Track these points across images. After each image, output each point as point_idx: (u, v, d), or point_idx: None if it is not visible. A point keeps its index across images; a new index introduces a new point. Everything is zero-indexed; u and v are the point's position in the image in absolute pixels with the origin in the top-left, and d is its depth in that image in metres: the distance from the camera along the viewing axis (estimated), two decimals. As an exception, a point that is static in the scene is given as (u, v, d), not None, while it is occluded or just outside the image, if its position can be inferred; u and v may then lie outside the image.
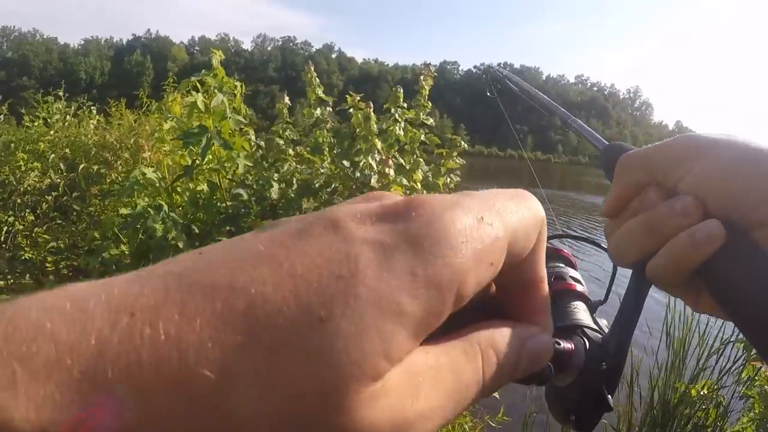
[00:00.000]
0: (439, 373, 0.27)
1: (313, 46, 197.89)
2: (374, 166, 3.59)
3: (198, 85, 3.86)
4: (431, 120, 4.20)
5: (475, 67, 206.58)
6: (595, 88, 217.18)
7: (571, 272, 0.65)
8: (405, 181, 3.72)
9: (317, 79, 4.19)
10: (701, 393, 4.04)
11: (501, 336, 0.31)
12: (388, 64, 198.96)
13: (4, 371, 0.20)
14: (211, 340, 0.21)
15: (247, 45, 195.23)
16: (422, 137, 4.09)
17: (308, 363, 0.22)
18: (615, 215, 0.57)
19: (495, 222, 0.29)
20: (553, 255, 0.68)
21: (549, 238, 0.63)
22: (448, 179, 4.09)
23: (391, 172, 3.40)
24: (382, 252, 0.25)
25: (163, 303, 0.22)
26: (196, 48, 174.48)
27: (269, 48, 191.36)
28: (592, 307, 0.61)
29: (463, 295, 0.27)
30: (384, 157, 3.47)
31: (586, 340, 0.54)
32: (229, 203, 3.88)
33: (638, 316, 0.55)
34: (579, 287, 0.61)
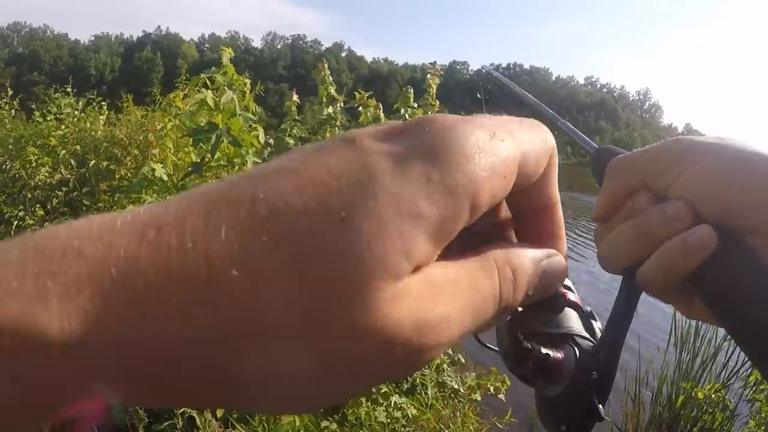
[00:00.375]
0: (457, 286, 0.28)
1: (323, 45, 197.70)
2: None
3: (207, 82, 3.88)
4: None
5: (484, 66, 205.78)
6: (605, 90, 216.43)
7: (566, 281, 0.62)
8: None
9: (330, 77, 4.17)
10: (708, 395, 4.03)
11: (517, 255, 0.32)
12: (397, 64, 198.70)
13: (35, 286, 0.21)
14: (237, 245, 0.23)
15: (257, 43, 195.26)
16: None
17: (332, 261, 0.23)
18: (605, 220, 0.56)
19: (507, 139, 0.30)
20: None
21: None
22: None
23: None
24: (397, 160, 0.26)
25: (188, 216, 0.23)
26: (206, 45, 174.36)
27: (279, 46, 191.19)
28: (584, 316, 0.60)
29: (478, 205, 0.28)
30: None
31: (576, 348, 0.54)
32: None
33: (629, 323, 0.55)
34: (571, 295, 0.59)
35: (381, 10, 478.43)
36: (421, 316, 0.25)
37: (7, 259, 0.22)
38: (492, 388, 3.78)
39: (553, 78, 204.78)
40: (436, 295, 0.26)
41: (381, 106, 3.87)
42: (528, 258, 0.33)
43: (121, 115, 7.22)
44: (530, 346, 0.50)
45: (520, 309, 0.42)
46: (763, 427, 3.83)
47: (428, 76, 4.19)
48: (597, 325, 0.60)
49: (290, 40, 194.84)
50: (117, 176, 5.80)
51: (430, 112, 4.03)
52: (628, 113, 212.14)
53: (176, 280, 0.22)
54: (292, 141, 4.16)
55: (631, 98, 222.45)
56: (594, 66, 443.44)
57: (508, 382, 3.70)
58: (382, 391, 3.33)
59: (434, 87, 4.19)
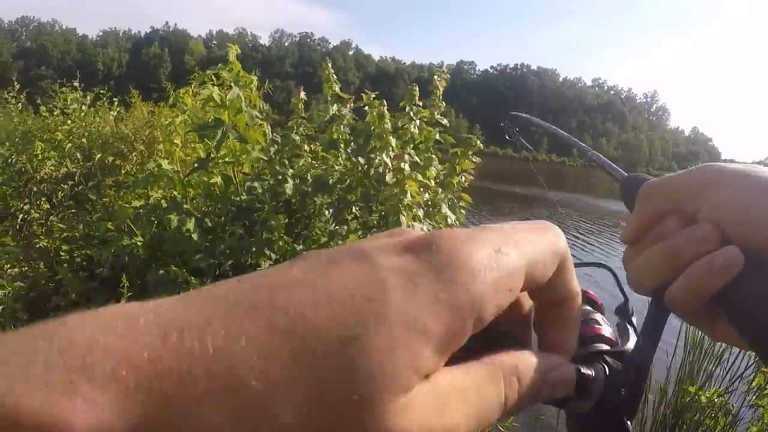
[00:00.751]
0: (464, 394, 0.29)
1: (330, 43, 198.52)
2: (389, 164, 3.59)
3: (213, 78, 3.88)
4: (445, 120, 4.22)
5: (491, 67, 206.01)
6: (612, 92, 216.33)
7: (597, 317, 0.64)
8: (420, 177, 3.71)
9: (334, 76, 4.18)
10: (711, 399, 4.02)
11: (524, 364, 0.33)
12: (405, 63, 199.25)
13: (62, 381, 0.21)
14: (256, 355, 0.24)
15: (265, 40, 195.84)
16: (437, 136, 4.09)
17: (346, 376, 0.24)
18: (635, 243, 0.57)
19: (512, 252, 0.31)
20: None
21: None
22: (463, 178, 4.10)
23: (407, 167, 3.38)
24: (407, 278, 0.28)
25: (210, 321, 0.24)
26: (214, 42, 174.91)
27: (286, 43, 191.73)
28: (618, 352, 0.59)
29: (483, 318, 0.29)
30: (402, 152, 3.45)
31: (606, 366, 0.54)
32: (243, 197, 3.88)
33: (657, 343, 0.55)
34: (606, 331, 0.61)
35: (389, 9, 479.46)
36: (426, 427, 0.26)
37: (36, 348, 0.22)
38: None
39: (561, 79, 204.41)
40: (443, 406, 0.28)
41: (385, 104, 3.84)
42: (534, 368, 0.34)
43: (129, 111, 7.22)
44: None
45: None
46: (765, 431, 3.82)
47: (435, 77, 4.21)
48: (632, 330, 0.63)
49: (298, 38, 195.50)
50: (123, 171, 5.81)
51: (436, 113, 4.11)
52: (635, 116, 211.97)
53: (197, 385, 0.23)
54: (298, 138, 4.16)
55: (638, 101, 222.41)
56: (601, 67, 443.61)
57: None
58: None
59: (441, 89, 4.21)
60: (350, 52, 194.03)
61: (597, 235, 22.83)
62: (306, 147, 4.17)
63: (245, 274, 0.29)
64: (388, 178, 3.53)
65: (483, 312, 0.29)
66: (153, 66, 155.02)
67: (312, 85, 5.43)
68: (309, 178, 3.96)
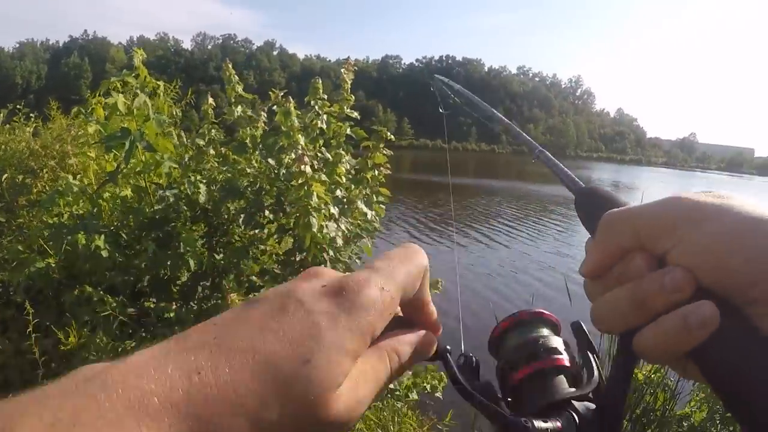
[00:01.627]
0: (364, 374, 0.45)
1: (254, 44, 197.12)
2: (298, 169, 3.53)
3: (118, 86, 3.76)
4: (356, 113, 4.20)
5: (417, 60, 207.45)
6: (537, 78, 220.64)
7: (556, 342, 0.60)
8: (324, 177, 3.65)
9: (236, 77, 4.15)
10: (648, 376, 4.08)
11: (399, 342, 0.50)
12: (330, 60, 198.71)
13: (132, 419, 0.32)
14: (251, 381, 0.37)
15: (187, 44, 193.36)
16: (348, 131, 4.07)
17: (306, 385, 0.39)
18: (597, 277, 0.56)
19: (391, 288, 0.47)
20: (538, 320, 0.63)
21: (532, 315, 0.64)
22: (376, 172, 4.07)
23: (307, 168, 3.33)
24: (331, 318, 0.42)
25: (216, 364, 0.37)
26: (133, 49, 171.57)
27: (209, 46, 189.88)
28: (581, 377, 0.59)
29: (375, 334, 0.45)
30: (301, 153, 3.40)
31: (576, 415, 0.53)
32: (156, 207, 3.77)
33: (628, 388, 0.54)
34: (566, 360, 0.58)
35: (314, 7, 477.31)
36: (351, 402, 0.42)
37: (96, 399, 0.32)
38: (428, 387, 3.75)
39: (486, 69, 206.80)
40: (357, 386, 0.43)
41: (291, 100, 3.79)
42: (406, 342, 0.51)
43: (46, 125, 7.00)
44: (528, 425, 0.50)
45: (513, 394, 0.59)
46: (704, 404, 3.89)
47: (342, 70, 4.20)
48: (594, 359, 0.61)
49: (221, 41, 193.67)
50: (35, 190, 5.59)
51: (345, 106, 4.08)
52: (561, 101, 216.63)
53: (219, 406, 0.35)
54: (202, 142, 4.17)
55: (563, 86, 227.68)
56: (526, 55, 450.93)
57: (445, 380, 3.67)
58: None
59: (349, 81, 4.18)
60: (274, 53, 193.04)
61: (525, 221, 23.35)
62: (211, 150, 4.12)
63: (215, 319, 0.42)
64: (294, 182, 3.48)
65: (375, 330, 0.45)
66: (73, 77, 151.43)
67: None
68: (217, 183, 3.89)
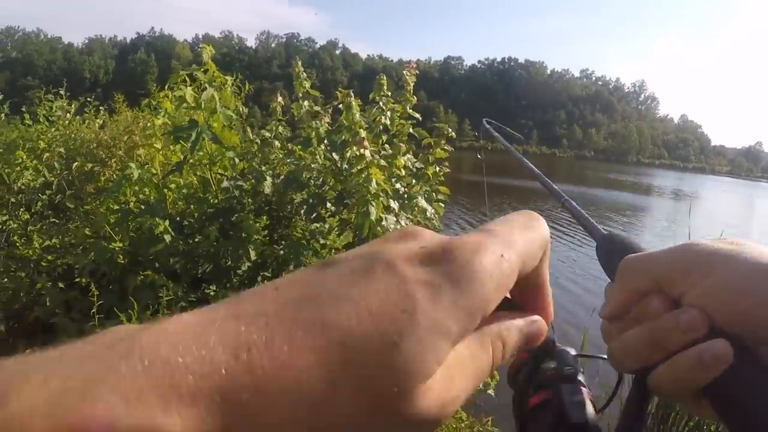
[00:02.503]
0: (462, 365, 0.35)
1: (317, 43, 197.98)
2: (357, 153, 3.57)
3: (187, 79, 3.86)
4: (417, 114, 4.23)
5: (479, 61, 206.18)
6: (600, 82, 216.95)
7: (581, 377, 0.64)
8: (384, 163, 3.70)
9: (304, 74, 4.24)
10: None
11: (506, 329, 0.40)
12: (392, 60, 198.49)
13: (158, 398, 0.25)
14: (317, 365, 0.29)
15: (251, 42, 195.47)
16: (410, 130, 4.10)
17: (388, 374, 0.30)
18: (616, 319, 0.57)
19: (512, 256, 0.37)
20: (562, 355, 0.67)
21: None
22: (437, 168, 4.12)
23: (367, 153, 3.36)
24: (432, 290, 0.33)
25: (272, 340, 0.29)
26: (200, 46, 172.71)
27: (273, 45, 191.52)
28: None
29: (487, 313, 0.36)
30: (361, 138, 3.43)
31: None
32: (220, 197, 3.86)
33: (642, 426, 0.55)
34: (588, 393, 0.61)
35: (376, 7, 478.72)
36: (442, 399, 0.33)
37: (116, 369, 0.25)
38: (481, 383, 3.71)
39: (548, 71, 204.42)
40: (450, 380, 0.34)
41: (352, 95, 3.83)
42: (514, 329, 0.41)
43: (113, 118, 7.19)
44: None
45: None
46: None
47: (405, 72, 4.26)
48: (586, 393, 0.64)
49: (284, 39, 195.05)
50: (102, 178, 5.76)
51: (408, 106, 4.12)
52: (624, 105, 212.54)
53: (270, 394, 0.27)
54: (268, 134, 4.25)
55: (626, 90, 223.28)
56: (589, 58, 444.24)
57: (497, 377, 3.65)
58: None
59: (411, 83, 4.25)
60: (337, 52, 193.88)
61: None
62: (277, 143, 4.20)
63: (280, 281, 0.33)
64: (355, 169, 3.51)
65: (488, 309, 0.36)
66: (140, 72, 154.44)
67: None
68: (281, 175, 3.95)
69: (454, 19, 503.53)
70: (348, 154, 3.76)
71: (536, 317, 0.43)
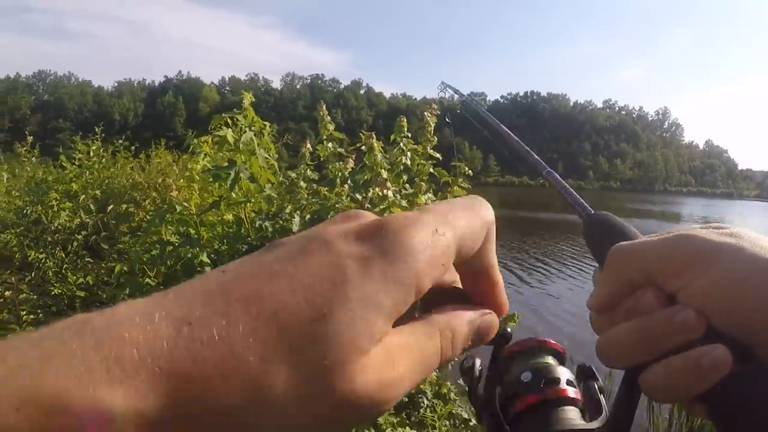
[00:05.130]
0: (408, 349, 0.36)
1: (341, 83, 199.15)
2: (380, 194, 3.65)
3: (229, 121, 3.97)
4: (438, 154, 4.30)
5: (502, 96, 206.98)
6: (624, 112, 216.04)
7: (561, 372, 0.58)
8: (405, 203, 3.77)
9: (328, 117, 4.38)
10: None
11: (456, 319, 0.40)
12: (415, 98, 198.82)
13: (102, 372, 0.26)
14: (251, 337, 0.30)
15: (276, 84, 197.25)
16: (431, 170, 4.19)
17: (319, 347, 0.31)
18: (605, 311, 0.56)
19: (447, 232, 0.37)
20: (542, 348, 0.62)
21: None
22: None
23: (390, 193, 3.42)
24: (362, 263, 0.34)
25: (212, 314, 0.30)
26: (227, 88, 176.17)
27: (298, 86, 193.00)
28: (585, 411, 0.57)
29: (421, 289, 0.36)
30: (382, 178, 3.49)
31: None
32: (253, 236, 3.93)
33: (630, 423, 0.53)
34: (571, 392, 0.56)
35: (396, 46, 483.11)
36: (382, 378, 0.33)
37: (70, 345, 0.27)
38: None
39: (571, 103, 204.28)
40: (393, 360, 0.34)
41: (374, 136, 3.97)
42: (464, 320, 0.41)
43: (152, 160, 7.36)
44: None
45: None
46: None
47: (426, 114, 4.33)
48: (596, 385, 0.60)
49: (309, 80, 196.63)
50: (137, 218, 5.88)
51: (429, 147, 4.21)
52: (649, 134, 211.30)
53: (209, 366, 0.28)
54: (304, 184, 4.37)
55: (650, 118, 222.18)
56: (612, 88, 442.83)
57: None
58: (392, 421, 3.40)
59: (432, 124, 4.31)
60: (361, 91, 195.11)
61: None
62: (302, 183, 4.34)
63: (227, 264, 0.34)
64: (378, 209, 3.57)
65: (422, 284, 0.35)
66: (168, 114, 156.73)
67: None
68: (307, 214, 4.04)
69: (476, 55, 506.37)
70: (370, 194, 3.84)
71: (487, 310, 0.43)
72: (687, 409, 0.49)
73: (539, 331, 11.13)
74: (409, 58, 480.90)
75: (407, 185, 4.07)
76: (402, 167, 4.05)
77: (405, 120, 4.22)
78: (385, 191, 3.44)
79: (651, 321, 0.48)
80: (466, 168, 4.16)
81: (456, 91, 1.42)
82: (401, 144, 4.07)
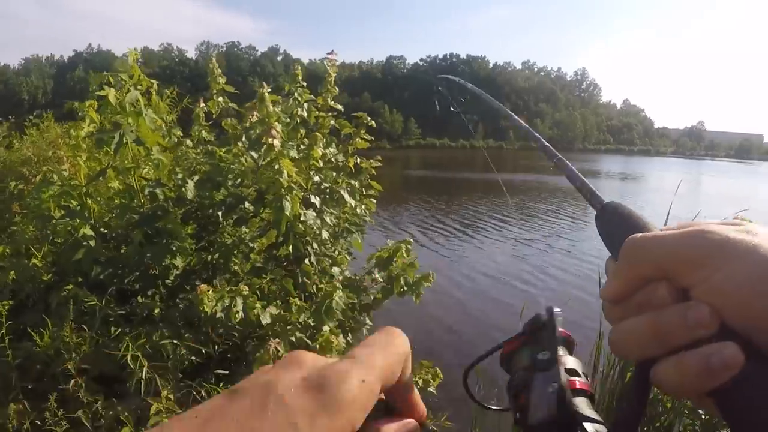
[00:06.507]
0: None
1: (258, 50, 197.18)
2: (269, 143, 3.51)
3: (111, 80, 3.77)
4: (340, 105, 4.30)
5: (421, 59, 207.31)
6: (542, 73, 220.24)
7: (570, 362, 0.56)
8: (294, 154, 3.65)
9: (218, 70, 4.40)
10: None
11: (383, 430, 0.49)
12: (336, 63, 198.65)
13: None
14: None
15: (192, 53, 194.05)
16: (332, 122, 4.13)
17: None
18: (618, 302, 0.55)
19: (372, 379, 0.44)
20: (553, 337, 0.60)
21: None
22: (370, 162, 4.23)
23: (276, 142, 3.28)
24: (310, 418, 0.40)
25: None
26: (140, 60, 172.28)
27: (214, 55, 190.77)
28: (594, 400, 0.55)
29: (355, 427, 0.42)
30: (268, 126, 3.34)
31: None
32: (145, 205, 3.71)
33: (642, 415, 0.52)
34: (579, 382, 0.54)
35: (317, 13, 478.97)
36: None
37: None
38: (420, 381, 3.57)
39: (491, 65, 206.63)
40: None
41: (265, 85, 3.88)
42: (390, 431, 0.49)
43: (42, 134, 7.08)
44: None
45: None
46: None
47: (326, 63, 4.41)
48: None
49: (225, 48, 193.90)
50: (28, 197, 5.59)
51: (329, 98, 4.22)
52: (567, 94, 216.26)
53: None
54: (192, 144, 4.38)
55: (568, 79, 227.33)
56: (531, 50, 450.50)
57: (441, 376, 3.54)
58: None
59: (333, 74, 4.36)
60: (279, 58, 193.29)
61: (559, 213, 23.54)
62: (189, 142, 4.32)
63: (200, 407, 0.41)
64: (262, 161, 3.49)
65: (356, 425, 0.42)
66: (79, 90, 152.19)
67: (243, 93, 5.42)
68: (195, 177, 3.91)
69: (395, 19, 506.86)
70: (263, 149, 3.66)
71: (409, 420, 0.51)
72: (697, 403, 0.50)
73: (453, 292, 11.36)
74: (327, 23, 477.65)
75: (305, 139, 3.96)
76: (298, 119, 3.93)
77: (299, 68, 4.16)
78: (270, 140, 3.27)
79: (664, 316, 0.49)
80: (368, 118, 4.16)
81: (458, 82, 1.37)
82: (296, 94, 3.95)
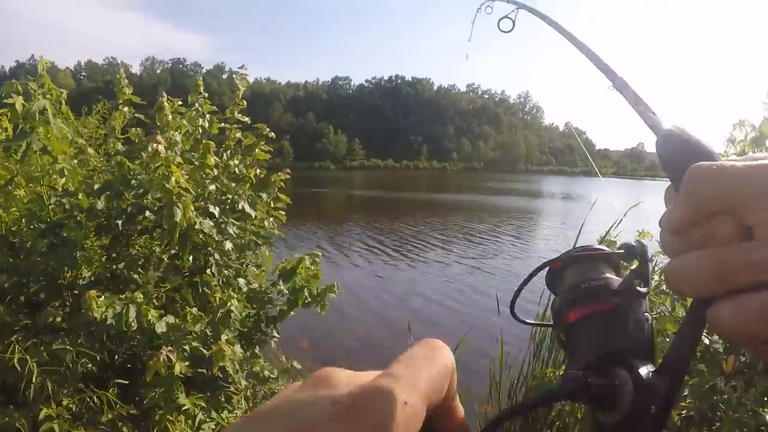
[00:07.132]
0: None
1: (203, 68, 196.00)
2: (159, 152, 3.55)
3: (20, 88, 3.73)
4: (247, 118, 4.38)
5: (366, 81, 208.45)
6: (486, 95, 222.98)
7: (615, 282, 0.56)
8: (180, 159, 3.66)
9: (126, 80, 4.40)
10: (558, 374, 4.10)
11: None
12: (280, 83, 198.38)
13: None
14: None
15: (136, 69, 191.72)
16: (238, 135, 4.28)
17: None
18: (678, 233, 0.50)
19: (416, 401, 0.39)
20: (603, 257, 0.61)
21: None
22: (279, 175, 4.26)
23: (161, 147, 3.31)
24: None
25: None
26: (83, 74, 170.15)
27: (158, 71, 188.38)
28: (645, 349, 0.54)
29: None
30: (154, 132, 3.39)
31: (633, 375, 0.49)
32: (53, 215, 3.70)
33: (692, 354, 0.50)
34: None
35: (262, 32, 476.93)
36: None
37: None
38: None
39: (435, 87, 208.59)
40: None
41: (165, 95, 4.01)
42: None
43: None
44: (588, 381, 0.49)
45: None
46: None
47: (235, 77, 4.50)
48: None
49: (170, 65, 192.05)
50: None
51: (236, 111, 4.27)
52: (510, 116, 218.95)
53: None
54: (91, 150, 4.29)
55: (512, 101, 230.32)
56: (475, 73, 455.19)
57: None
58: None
59: (242, 88, 4.43)
60: (224, 76, 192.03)
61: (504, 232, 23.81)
62: (90, 150, 4.29)
63: None
64: (153, 166, 3.51)
65: None
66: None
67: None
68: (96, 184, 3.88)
69: (342, 41, 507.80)
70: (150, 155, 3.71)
71: None
72: (751, 350, 0.48)
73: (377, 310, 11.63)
74: (275, 43, 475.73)
75: (211, 152, 4.02)
76: (201, 130, 3.98)
77: (201, 79, 4.27)
78: (155, 146, 3.30)
79: (726, 254, 0.45)
80: (267, 129, 4.23)
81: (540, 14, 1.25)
82: (197, 105, 4.00)
